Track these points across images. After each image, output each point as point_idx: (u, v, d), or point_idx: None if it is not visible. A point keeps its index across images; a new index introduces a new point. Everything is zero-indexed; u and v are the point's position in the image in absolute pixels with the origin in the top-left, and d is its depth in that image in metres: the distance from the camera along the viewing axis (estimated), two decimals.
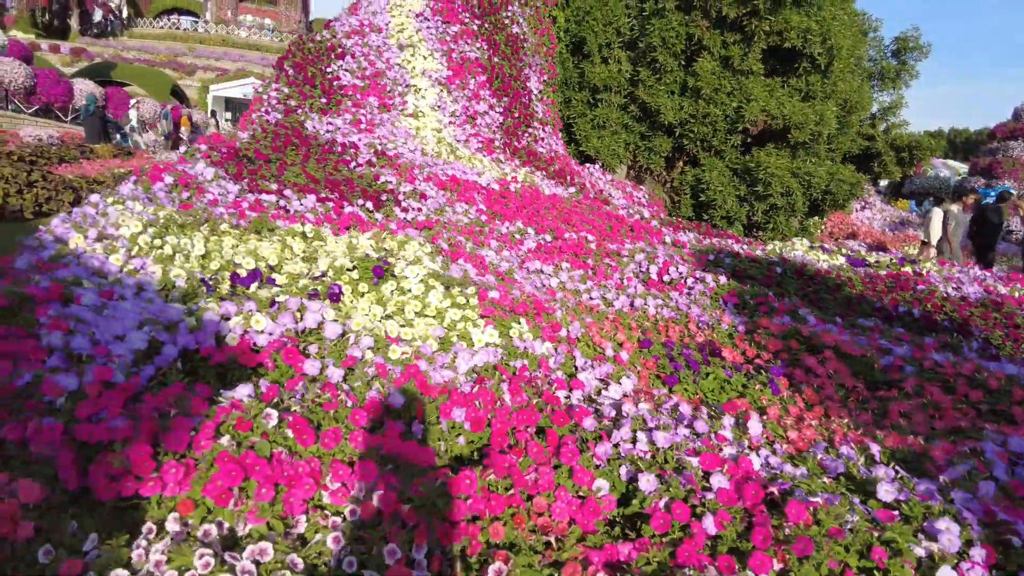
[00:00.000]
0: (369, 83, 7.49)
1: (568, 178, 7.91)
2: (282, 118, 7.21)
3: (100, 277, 3.11)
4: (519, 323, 2.78)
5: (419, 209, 5.00)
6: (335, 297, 2.93)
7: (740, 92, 8.89)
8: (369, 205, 4.86)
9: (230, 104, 38.76)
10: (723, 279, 4.31)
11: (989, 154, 23.91)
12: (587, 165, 9.07)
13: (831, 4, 8.83)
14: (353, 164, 5.92)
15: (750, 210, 9.10)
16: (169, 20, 53.35)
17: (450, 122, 7.58)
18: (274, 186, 4.85)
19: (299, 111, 7.30)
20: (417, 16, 8.43)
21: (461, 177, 6.00)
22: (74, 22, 48.04)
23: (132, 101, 21.26)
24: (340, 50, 7.82)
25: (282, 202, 4.58)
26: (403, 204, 4.99)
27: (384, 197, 4.99)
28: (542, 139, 8.30)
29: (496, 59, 8.39)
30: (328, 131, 6.69)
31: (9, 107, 17.93)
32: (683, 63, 9.22)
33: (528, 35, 8.89)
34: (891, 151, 11.20)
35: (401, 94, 7.53)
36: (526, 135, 8.13)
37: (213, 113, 25.00)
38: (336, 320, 2.51)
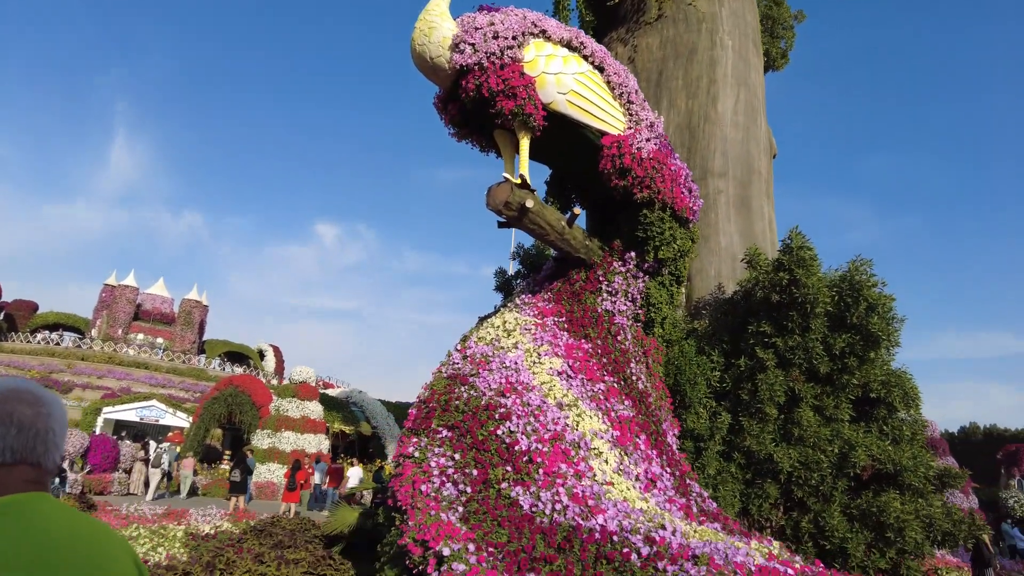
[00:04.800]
0: (551, 448, 7.04)
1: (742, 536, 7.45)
2: (473, 493, 6.42)
3: None
4: None
5: None
6: None
7: (838, 438, 9.41)
8: None
9: (120, 428, 35.09)
10: None
11: None
12: None
13: (886, 358, 10.15)
14: (635, 558, 5.17)
15: (879, 558, 8.94)
16: (47, 336, 50.40)
17: (638, 487, 7.13)
18: None
19: (487, 484, 6.56)
20: (559, 374, 8.47)
21: (743, 560, 5.39)
22: None
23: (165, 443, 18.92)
24: (504, 410, 7.45)
25: None
26: None
27: None
28: (700, 497, 7.97)
29: (641, 416, 8.40)
30: (555, 511, 5.96)
31: None
32: (779, 413, 9.78)
33: (650, 390, 9.16)
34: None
35: (584, 458, 7.10)
36: (693, 495, 7.79)
37: (144, 444, 22.10)
38: None
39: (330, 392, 38.26)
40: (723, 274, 12.08)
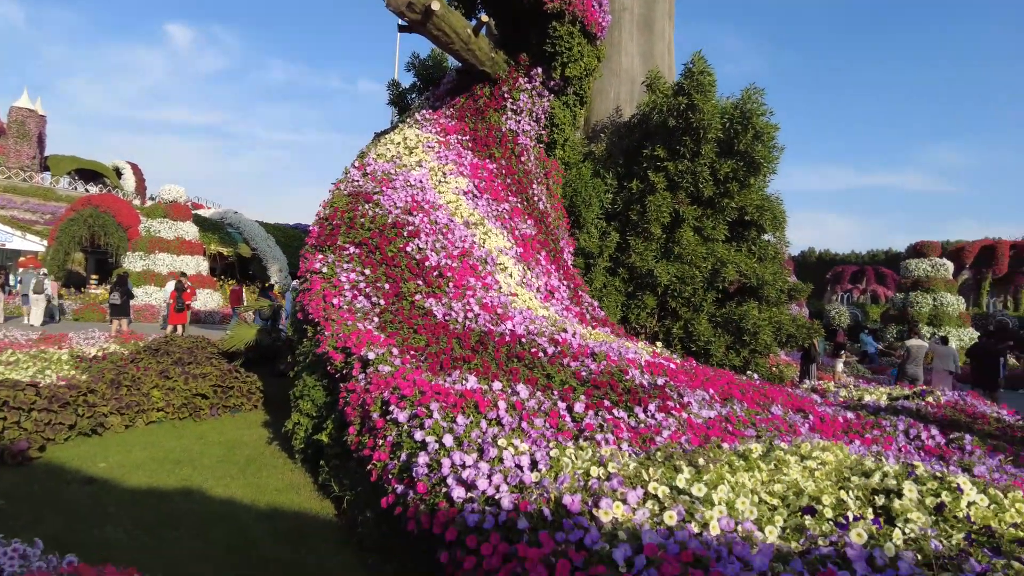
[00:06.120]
0: (460, 263, 7.28)
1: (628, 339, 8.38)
2: (387, 305, 6.62)
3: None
4: None
5: (690, 403, 5.05)
6: None
7: (712, 256, 10.43)
8: (653, 408, 4.82)
9: None
10: (968, 437, 5.17)
11: None
12: None
13: (762, 184, 11.03)
14: (543, 356, 5.71)
15: (735, 356, 10.42)
16: None
17: (539, 298, 7.64)
18: (577, 402, 4.59)
19: (399, 297, 6.75)
20: (465, 194, 8.49)
21: (634, 357, 6.13)
22: None
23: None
24: (412, 228, 7.50)
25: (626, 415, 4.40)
26: (676, 403, 5.00)
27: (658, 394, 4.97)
28: (591, 306, 8.70)
29: (542, 235, 8.75)
30: (467, 318, 6.33)
31: None
32: (663, 233, 10.56)
33: (550, 211, 9.46)
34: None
35: (491, 272, 7.42)
36: (585, 304, 8.48)
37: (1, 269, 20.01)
38: None
39: (202, 213, 35.96)
40: (622, 97, 12.14)
